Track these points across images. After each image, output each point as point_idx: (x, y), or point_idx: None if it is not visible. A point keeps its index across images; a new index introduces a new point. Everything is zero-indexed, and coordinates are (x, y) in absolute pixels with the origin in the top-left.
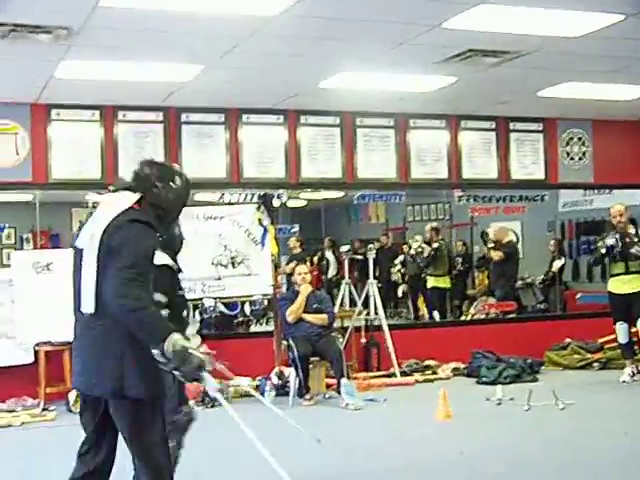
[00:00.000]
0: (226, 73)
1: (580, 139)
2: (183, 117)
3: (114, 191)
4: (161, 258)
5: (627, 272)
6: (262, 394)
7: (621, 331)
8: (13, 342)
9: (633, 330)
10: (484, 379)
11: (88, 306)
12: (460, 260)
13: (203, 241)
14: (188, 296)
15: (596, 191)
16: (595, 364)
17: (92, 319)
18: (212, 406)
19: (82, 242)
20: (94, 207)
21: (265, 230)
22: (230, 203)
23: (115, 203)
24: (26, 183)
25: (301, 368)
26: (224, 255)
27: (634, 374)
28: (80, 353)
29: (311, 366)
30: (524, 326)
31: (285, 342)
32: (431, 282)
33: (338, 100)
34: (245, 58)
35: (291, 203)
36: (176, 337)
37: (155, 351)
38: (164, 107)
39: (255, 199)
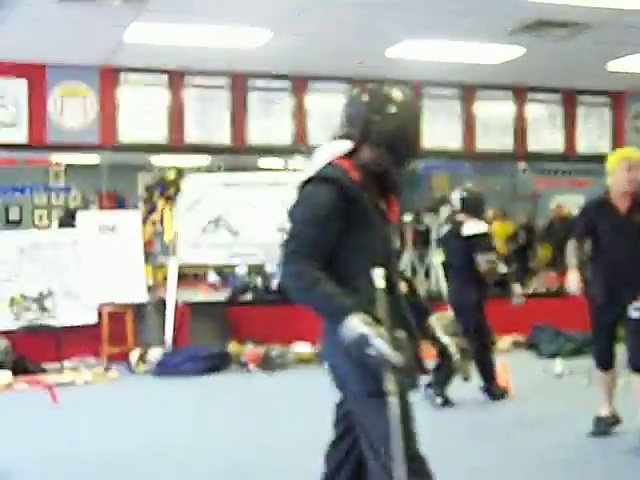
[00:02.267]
0: (293, 40)
1: None
2: (250, 83)
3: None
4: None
5: None
6: (322, 361)
7: None
8: (78, 302)
9: None
10: (544, 352)
11: None
12: (523, 233)
13: (267, 207)
14: (250, 261)
15: None
16: None
17: None
18: (272, 371)
19: None
20: (159, 171)
21: None
22: (295, 170)
23: (315, 157)
24: (94, 146)
25: None
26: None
27: None
28: None
29: None
30: (586, 300)
31: None
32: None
33: (404, 69)
34: (313, 25)
35: None
36: (354, 321)
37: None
38: (231, 73)
39: None
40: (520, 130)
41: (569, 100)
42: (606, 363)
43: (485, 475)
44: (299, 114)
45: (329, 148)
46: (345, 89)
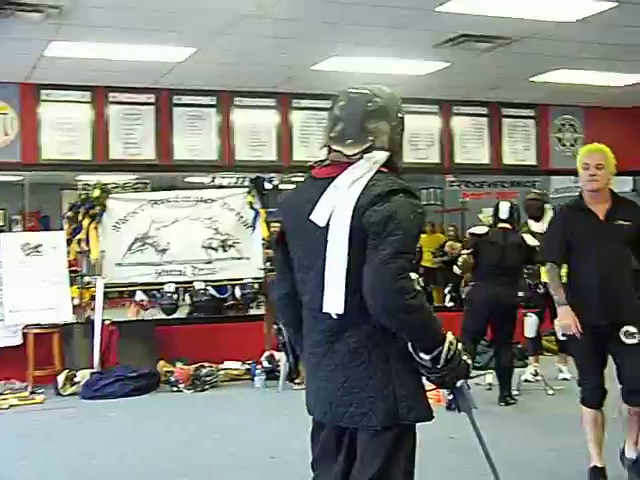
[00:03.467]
0: (219, 55)
1: (572, 126)
2: (175, 99)
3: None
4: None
5: None
6: (252, 378)
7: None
8: (1, 324)
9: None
10: (475, 364)
11: (334, 305)
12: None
13: (194, 224)
14: (178, 279)
15: None
16: None
17: (340, 325)
18: (202, 390)
19: (319, 216)
20: (84, 189)
21: (256, 213)
22: (221, 186)
23: (359, 167)
24: (15, 164)
25: (291, 352)
26: (215, 238)
27: (537, 373)
28: (325, 374)
29: None
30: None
31: (275, 326)
32: None
33: (331, 83)
34: (238, 40)
35: (283, 187)
36: (452, 338)
37: (425, 357)
38: (156, 89)
39: (247, 182)
40: (447, 143)
41: (494, 113)
42: (597, 401)
43: None
44: (225, 130)
45: (375, 157)
46: (272, 104)
